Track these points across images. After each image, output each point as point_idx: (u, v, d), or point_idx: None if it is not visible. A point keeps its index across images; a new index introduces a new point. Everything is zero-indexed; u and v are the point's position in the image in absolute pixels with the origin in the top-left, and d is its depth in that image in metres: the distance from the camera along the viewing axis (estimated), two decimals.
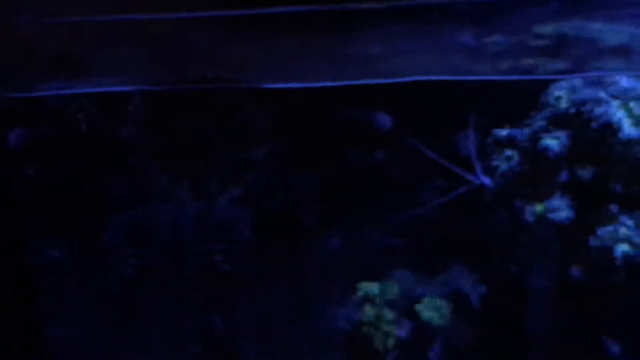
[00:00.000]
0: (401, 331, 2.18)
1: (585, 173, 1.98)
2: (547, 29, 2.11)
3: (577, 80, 2.04)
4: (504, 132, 2.11)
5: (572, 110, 1.99)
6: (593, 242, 1.98)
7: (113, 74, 1.98)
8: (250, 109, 2.28)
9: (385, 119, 2.49)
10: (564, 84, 2.06)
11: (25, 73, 2.01)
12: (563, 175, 2.01)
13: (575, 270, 2.02)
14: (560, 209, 1.98)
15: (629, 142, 1.94)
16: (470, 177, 2.29)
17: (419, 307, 2.14)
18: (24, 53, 1.88)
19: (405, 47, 2.21)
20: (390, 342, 2.14)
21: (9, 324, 2.00)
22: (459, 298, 2.25)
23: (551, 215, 1.98)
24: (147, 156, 2.27)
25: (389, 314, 2.15)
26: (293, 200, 2.54)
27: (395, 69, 2.27)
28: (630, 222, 1.98)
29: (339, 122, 2.48)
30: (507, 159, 2.10)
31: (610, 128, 1.96)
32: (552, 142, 1.97)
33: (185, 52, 1.76)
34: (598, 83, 2.02)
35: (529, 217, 2.03)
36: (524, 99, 2.14)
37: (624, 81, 2.01)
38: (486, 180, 2.24)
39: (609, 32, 2.07)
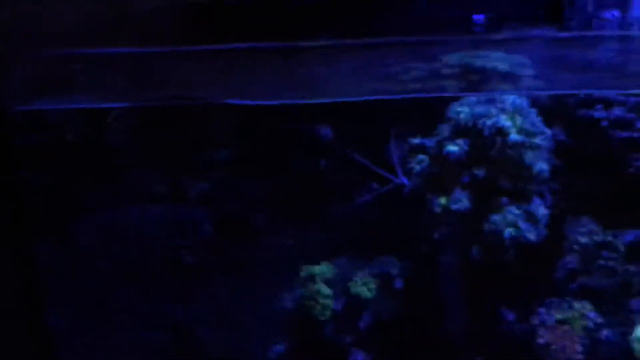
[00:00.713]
0: (337, 304, 2.62)
1: (480, 172, 2.46)
2: (454, 58, 2.61)
3: (474, 99, 2.53)
4: (417, 141, 2.58)
5: (470, 122, 2.47)
6: (487, 227, 2.46)
7: (96, 93, 2.37)
8: (212, 122, 2.68)
9: (326, 132, 2.93)
10: (464, 102, 2.54)
11: (18, 89, 2.38)
12: (463, 174, 2.48)
13: (475, 250, 2.49)
14: (460, 200, 2.45)
15: (515, 145, 2.43)
16: (393, 178, 2.75)
17: (350, 284, 2.58)
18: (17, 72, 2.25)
19: (344, 73, 2.69)
20: (327, 314, 2.57)
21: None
22: (385, 277, 2.70)
23: (453, 206, 2.45)
24: (123, 161, 2.64)
25: (326, 290, 2.58)
26: (248, 201, 2.94)
27: (336, 90, 2.73)
28: (516, 211, 2.46)
29: (287, 134, 2.91)
30: (420, 162, 2.56)
31: (500, 134, 2.44)
32: (454, 148, 2.44)
33: (159, 75, 2.16)
34: (491, 101, 2.51)
35: (437, 208, 2.50)
36: (433, 114, 2.60)
37: (512, 99, 2.50)
38: (405, 180, 2.70)
39: (501, 61, 2.57)
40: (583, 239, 2.73)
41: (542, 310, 2.60)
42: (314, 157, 2.93)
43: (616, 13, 3.00)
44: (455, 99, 2.56)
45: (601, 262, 2.72)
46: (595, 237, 2.73)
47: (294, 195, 2.92)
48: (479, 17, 2.50)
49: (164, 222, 2.85)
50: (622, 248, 2.74)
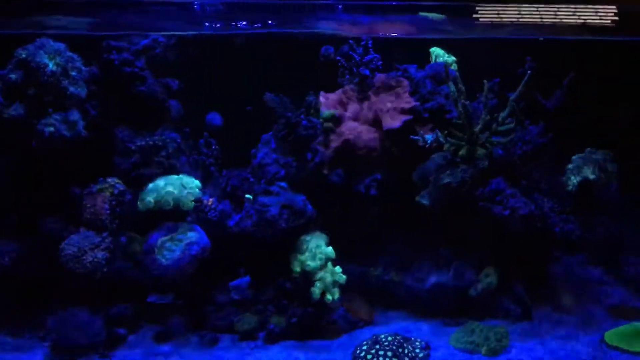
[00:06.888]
0: None
1: (31, 91, 3.76)
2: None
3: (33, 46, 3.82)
4: None
5: (25, 59, 3.76)
6: (38, 128, 3.77)
7: None
8: None
9: None
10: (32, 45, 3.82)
11: None
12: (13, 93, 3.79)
13: (35, 142, 3.80)
14: (17, 109, 3.75)
15: (53, 75, 3.74)
16: None
17: None
18: None
19: None
20: None
21: None
22: None
23: (11, 112, 3.75)
24: None
25: None
26: None
27: None
28: (57, 117, 3.78)
29: None
30: None
31: (39, 70, 3.75)
32: (13, 75, 3.72)
33: None
34: (42, 47, 3.81)
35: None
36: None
37: (55, 46, 3.83)
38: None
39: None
40: (140, 142, 4.16)
41: (93, 185, 3.97)
42: None
43: None
44: (23, 43, 3.84)
45: (155, 158, 4.17)
46: (150, 141, 4.18)
47: None
48: None
49: None
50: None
